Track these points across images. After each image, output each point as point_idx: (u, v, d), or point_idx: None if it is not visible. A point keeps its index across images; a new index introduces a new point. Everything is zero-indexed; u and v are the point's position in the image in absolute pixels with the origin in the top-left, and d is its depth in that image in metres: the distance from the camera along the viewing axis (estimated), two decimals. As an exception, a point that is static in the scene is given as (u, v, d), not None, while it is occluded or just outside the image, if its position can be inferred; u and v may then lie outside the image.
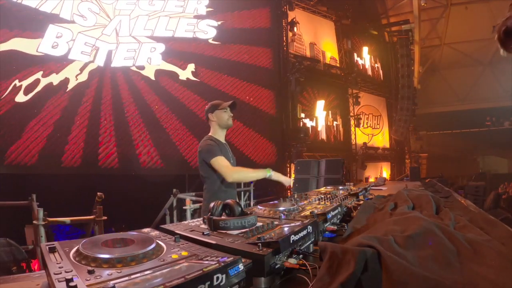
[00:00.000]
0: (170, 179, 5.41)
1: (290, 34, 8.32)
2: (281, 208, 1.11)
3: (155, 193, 5.29)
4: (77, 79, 5.09)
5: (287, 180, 2.39)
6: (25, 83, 4.66)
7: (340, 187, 2.03)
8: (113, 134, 5.32)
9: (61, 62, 5.01)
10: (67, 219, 3.48)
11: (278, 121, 7.26)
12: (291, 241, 0.72)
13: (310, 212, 1.06)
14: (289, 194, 6.98)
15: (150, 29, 5.86)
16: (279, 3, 7.73)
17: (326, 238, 1.01)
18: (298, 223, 0.86)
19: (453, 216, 1.03)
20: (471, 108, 14.01)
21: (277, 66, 7.35)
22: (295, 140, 7.64)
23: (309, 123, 8.68)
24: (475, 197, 7.10)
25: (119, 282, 0.47)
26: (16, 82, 4.60)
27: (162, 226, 0.90)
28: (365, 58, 11.45)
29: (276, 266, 0.66)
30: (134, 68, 5.64)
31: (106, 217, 3.55)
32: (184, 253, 0.61)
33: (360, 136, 11.03)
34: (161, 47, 5.87)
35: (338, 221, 1.16)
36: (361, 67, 11.16)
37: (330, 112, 9.85)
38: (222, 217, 0.89)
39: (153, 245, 0.62)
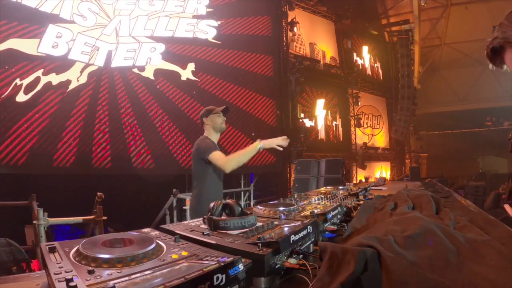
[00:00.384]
0: (170, 179, 5.41)
1: (290, 34, 8.32)
2: (281, 208, 1.11)
3: (155, 193, 5.29)
4: (78, 80, 5.09)
5: (280, 141, 2.19)
6: (25, 82, 4.66)
7: (340, 187, 2.04)
8: (113, 134, 5.32)
9: (62, 62, 5.01)
10: (67, 219, 3.48)
11: (278, 121, 7.25)
12: (291, 241, 0.72)
13: (310, 212, 1.06)
14: (289, 194, 6.98)
15: (150, 29, 5.86)
16: (279, 3, 7.72)
17: (326, 238, 1.01)
18: (298, 223, 0.86)
19: (453, 216, 1.03)
20: (471, 108, 14.01)
21: (277, 66, 7.34)
22: (295, 140, 7.64)
23: (308, 122, 8.68)
24: (475, 197, 7.11)
25: (119, 282, 0.47)
26: (17, 81, 4.60)
27: (162, 226, 0.91)
28: (365, 58, 11.44)
29: (276, 266, 0.66)
30: (134, 69, 5.64)
31: (106, 217, 3.55)
32: (184, 253, 0.61)
33: (360, 136, 11.02)
34: (161, 47, 5.87)
35: (338, 221, 1.16)
36: (361, 67, 11.16)
37: (329, 112, 9.85)
38: (222, 217, 0.89)
39: (153, 245, 0.62)
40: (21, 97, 4.62)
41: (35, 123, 4.70)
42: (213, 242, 0.72)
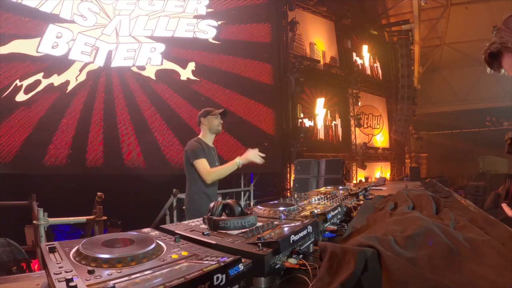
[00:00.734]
0: (170, 179, 5.41)
1: (290, 34, 8.31)
2: (281, 208, 1.11)
3: (155, 193, 5.29)
4: (76, 80, 5.09)
5: (254, 155, 2.32)
6: (25, 83, 4.66)
7: (340, 187, 2.04)
8: (115, 134, 5.33)
9: (62, 62, 5.01)
10: (67, 219, 3.48)
11: (278, 121, 7.24)
12: (291, 241, 0.72)
13: (310, 212, 1.06)
14: (289, 194, 6.98)
15: (150, 29, 5.86)
16: (280, 3, 7.71)
17: (326, 238, 1.01)
18: (298, 223, 0.86)
19: (453, 216, 1.03)
20: (471, 108, 14.00)
21: (277, 66, 7.33)
22: (295, 140, 7.65)
23: (307, 122, 8.68)
24: (475, 197, 7.10)
25: (119, 282, 0.47)
26: (17, 81, 4.60)
27: (162, 226, 0.91)
28: (365, 58, 11.44)
29: (276, 266, 0.66)
30: (134, 68, 5.64)
31: (106, 217, 3.56)
32: (184, 253, 0.61)
33: (360, 136, 11.02)
34: (161, 47, 5.87)
35: (338, 221, 1.16)
36: (361, 67, 11.16)
37: (329, 111, 9.85)
38: (222, 217, 0.89)
39: (153, 245, 0.62)
40: (20, 97, 4.62)
41: (36, 123, 4.71)
42: (213, 242, 0.72)
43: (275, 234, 0.76)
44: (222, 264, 0.53)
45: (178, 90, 5.94)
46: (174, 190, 5.29)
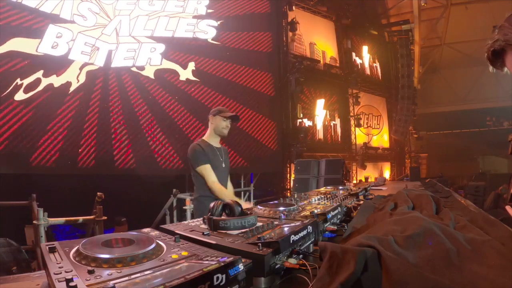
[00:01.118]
0: (170, 179, 5.41)
1: (290, 34, 8.31)
2: (281, 208, 1.11)
3: (155, 193, 5.29)
4: (78, 80, 5.09)
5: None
6: (25, 82, 4.66)
7: (340, 187, 2.04)
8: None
9: (62, 62, 5.01)
10: (67, 219, 3.47)
11: (278, 120, 7.24)
12: (291, 241, 0.72)
13: (310, 212, 1.06)
14: (289, 194, 6.98)
15: (150, 29, 5.86)
16: (280, 3, 7.70)
17: (326, 238, 1.01)
18: (298, 223, 0.86)
19: (453, 216, 1.03)
20: (471, 108, 14.00)
21: (276, 66, 7.33)
22: (295, 140, 7.64)
23: (307, 122, 8.68)
24: (475, 197, 7.10)
25: (119, 282, 0.47)
26: (18, 81, 4.60)
27: (162, 226, 0.91)
28: (365, 58, 11.45)
29: (276, 266, 0.66)
30: (134, 69, 5.64)
31: (106, 217, 3.55)
32: (184, 253, 0.61)
33: (360, 136, 11.02)
34: (161, 47, 5.87)
35: (338, 221, 1.16)
36: (361, 67, 11.16)
37: (328, 111, 9.85)
38: (222, 217, 0.89)
39: (153, 245, 0.62)
40: (20, 96, 4.62)
41: (36, 123, 4.70)
42: (213, 242, 0.72)
43: (275, 234, 0.76)
44: (222, 264, 0.53)
45: (180, 88, 5.94)
46: (174, 190, 5.29)
